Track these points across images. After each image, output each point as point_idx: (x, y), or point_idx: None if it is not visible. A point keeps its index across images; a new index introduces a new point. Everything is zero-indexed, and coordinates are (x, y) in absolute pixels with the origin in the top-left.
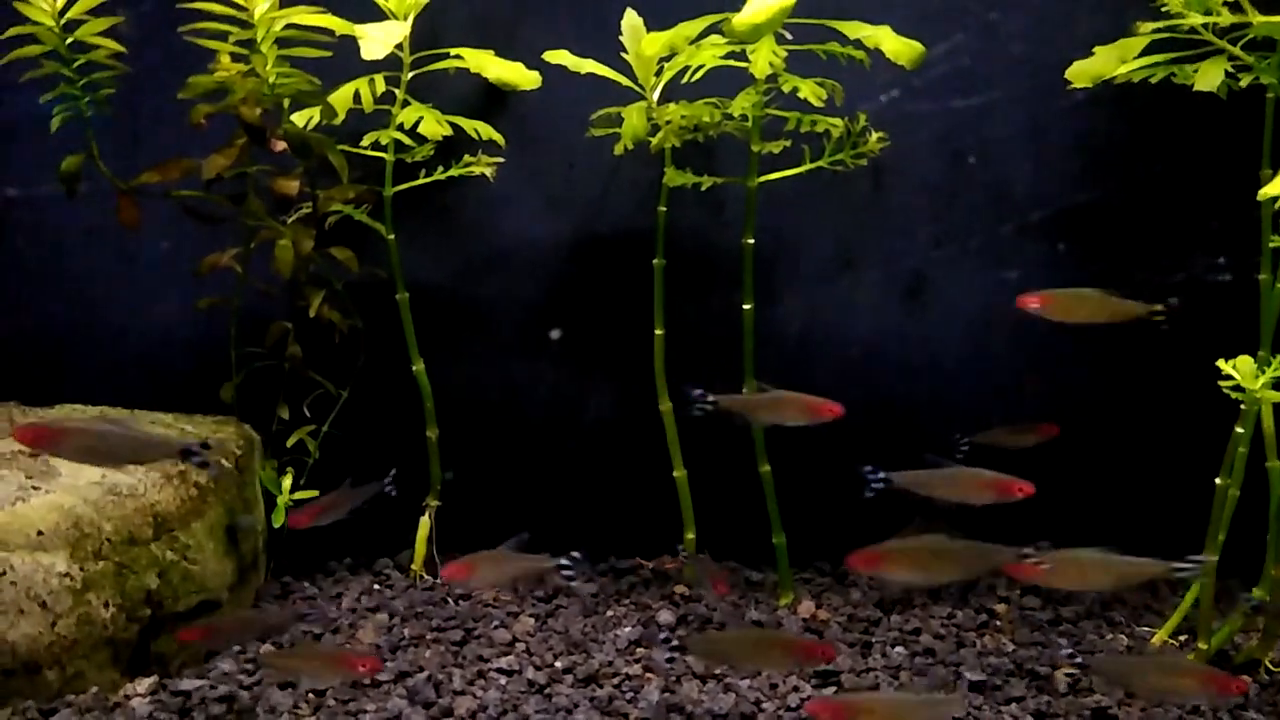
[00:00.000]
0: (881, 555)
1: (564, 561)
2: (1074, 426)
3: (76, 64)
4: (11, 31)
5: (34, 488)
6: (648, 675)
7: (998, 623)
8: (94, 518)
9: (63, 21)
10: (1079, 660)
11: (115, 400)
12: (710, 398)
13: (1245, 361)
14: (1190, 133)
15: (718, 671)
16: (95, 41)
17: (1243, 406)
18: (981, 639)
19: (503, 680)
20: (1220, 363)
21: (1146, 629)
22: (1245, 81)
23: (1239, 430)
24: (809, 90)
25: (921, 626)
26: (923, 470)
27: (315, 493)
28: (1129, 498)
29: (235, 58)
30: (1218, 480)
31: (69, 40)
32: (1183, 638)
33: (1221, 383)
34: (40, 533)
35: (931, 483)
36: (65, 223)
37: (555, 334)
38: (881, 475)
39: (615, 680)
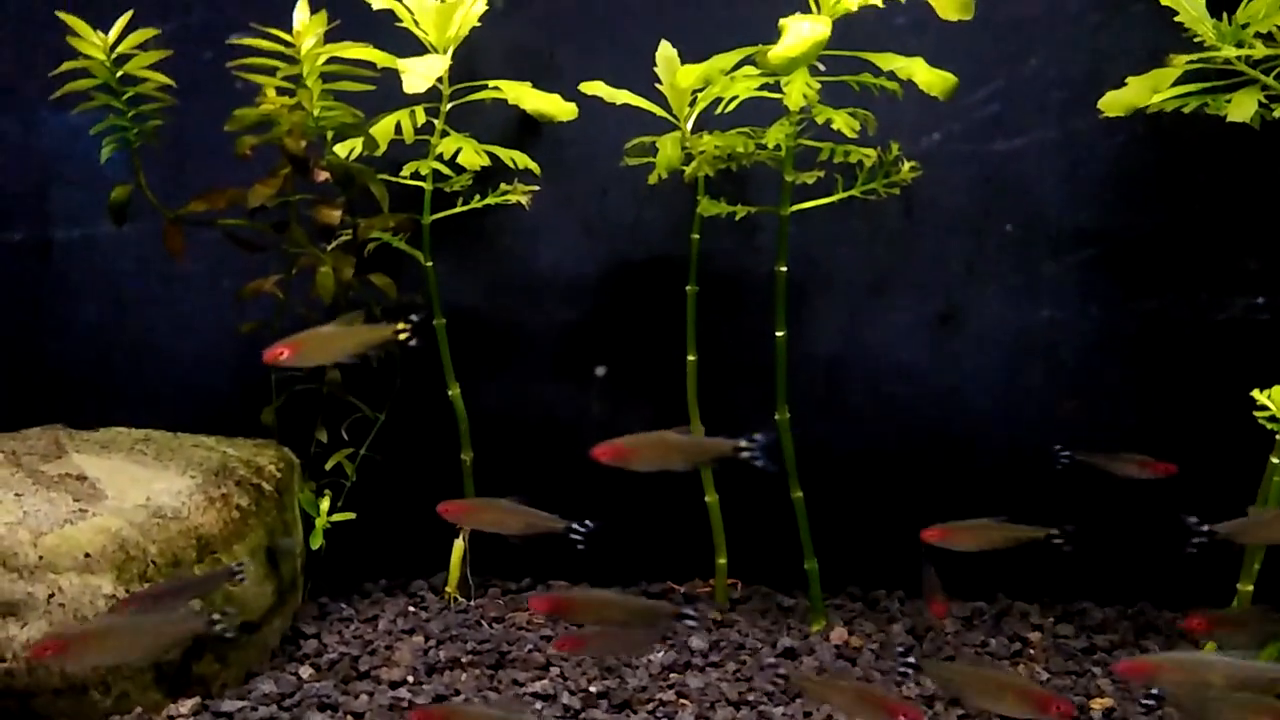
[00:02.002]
0: (622, 448)
1: (576, 526)
2: (1110, 455)
3: (125, 96)
4: (66, 66)
5: (81, 510)
6: (682, 701)
7: (1031, 651)
8: (139, 540)
9: (113, 55)
10: (1155, 691)
11: (159, 423)
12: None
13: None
14: (1225, 165)
15: (750, 699)
16: (144, 75)
17: (1278, 437)
18: (1015, 667)
19: (538, 705)
20: (1255, 393)
21: None
22: (1279, 112)
23: (1274, 460)
24: (842, 122)
25: (954, 655)
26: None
27: (352, 515)
28: (1165, 526)
29: (280, 91)
30: (1253, 510)
31: (119, 74)
32: None
33: (1257, 413)
34: (87, 555)
35: (1255, 529)
36: (112, 249)
37: (600, 371)
38: (1205, 528)
39: (649, 706)
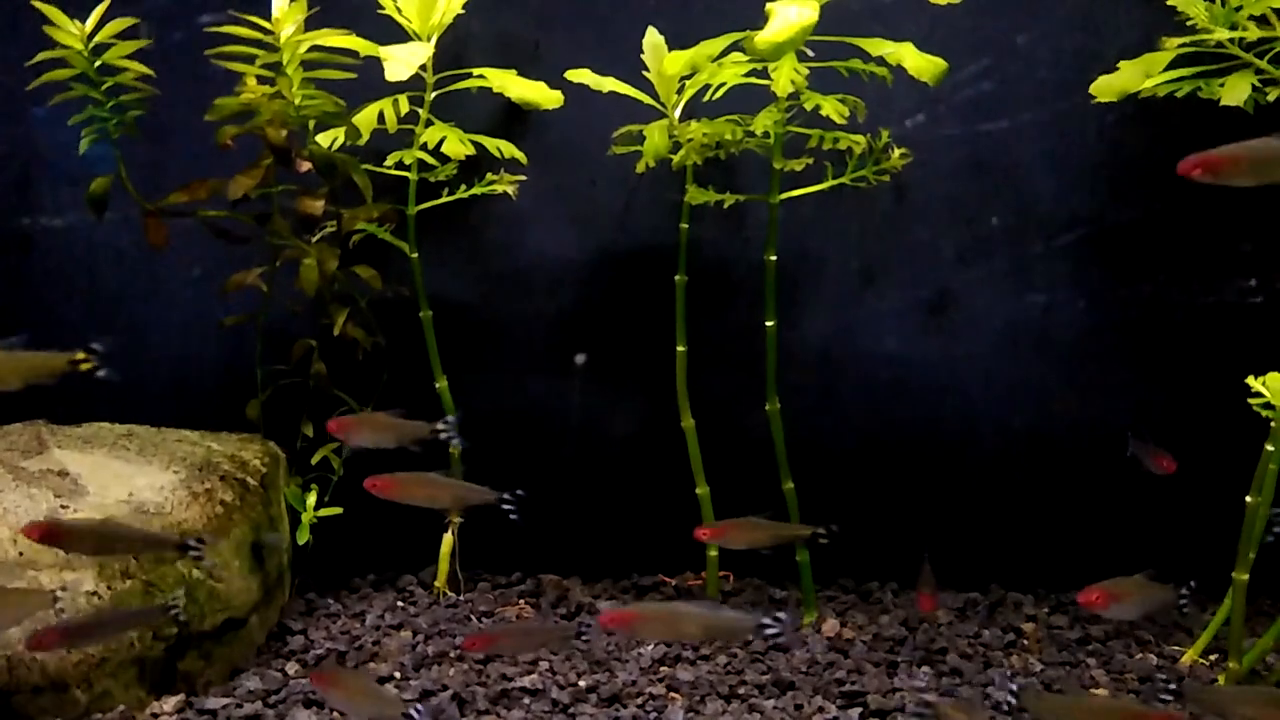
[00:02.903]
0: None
1: (506, 496)
2: (1103, 443)
3: (104, 86)
4: (42, 56)
5: (62, 506)
6: (671, 695)
7: (1025, 642)
8: None
9: (91, 45)
10: (1173, 686)
11: (143, 418)
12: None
13: (1275, 379)
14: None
15: (740, 692)
16: (123, 64)
17: (1273, 424)
18: (1009, 659)
19: (526, 700)
20: (1250, 380)
21: (1176, 648)
22: (1273, 95)
23: (1269, 448)
24: (831, 108)
25: (948, 646)
26: None
27: (339, 509)
28: (1159, 514)
29: (261, 80)
30: (1248, 498)
31: (97, 64)
32: (1213, 657)
33: (1251, 400)
34: (69, 551)
35: None
36: (94, 242)
37: (580, 358)
38: None
39: (639, 700)
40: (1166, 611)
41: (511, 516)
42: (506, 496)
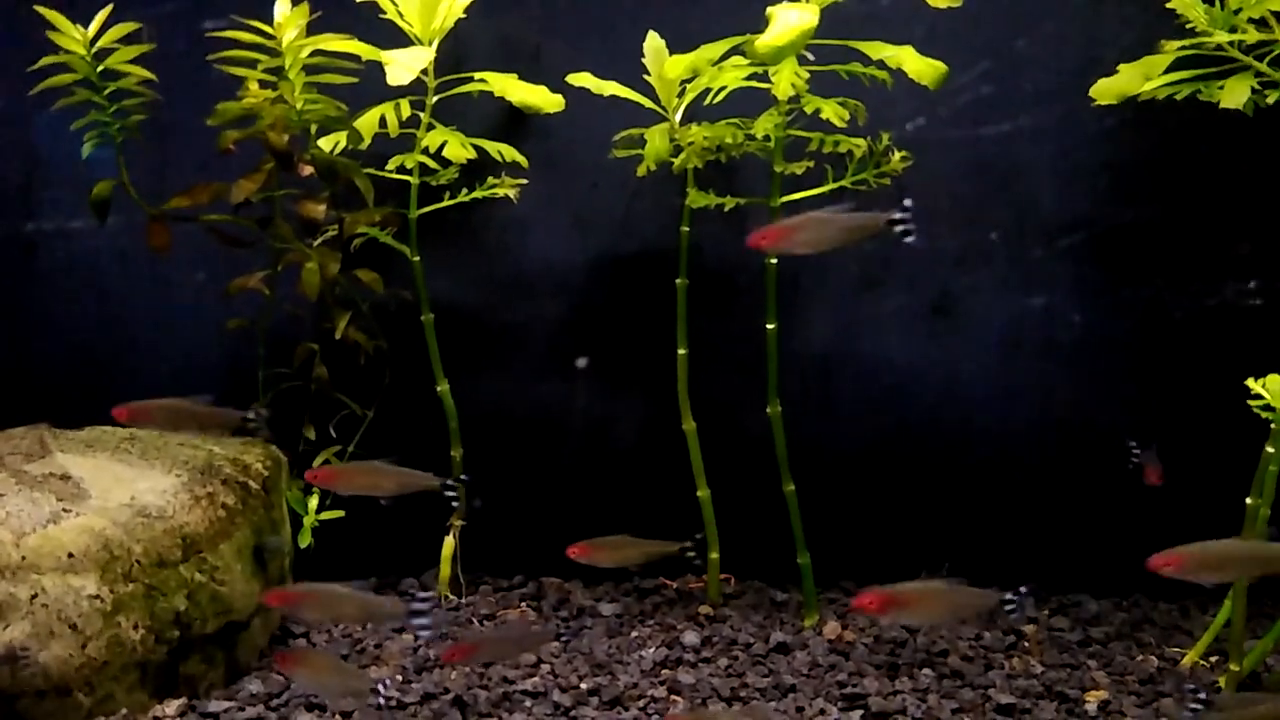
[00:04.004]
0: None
1: (449, 482)
2: (1104, 445)
3: (107, 91)
4: (45, 61)
5: (65, 510)
6: (673, 697)
7: (1026, 644)
8: (124, 540)
9: (94, 50)
10: (1202, 695)
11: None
12: None
13: (1275, 381)
14: (1218, 153)
15: (742, 695)
16: (125, 69)
17: (1273, 426)
18: (1010, 661)
19: (528, 703)
20: (1250, 382)
21: (1177, 650)
22: (1273, 98)
23: (1269, 450)
24: (831, 111)
25: (949, 648)
26: None
27: (340, 513)
28: (1159, 516)
29: (263, 84)
30: (1248, 500)
31: (100, 68)
32: (1214, 659)
33: (1251, 402)
34: (71, 555)
35: None
36: (97, 246)
37: (582, 362)
38: None
39: (641, 703)
40: (974, 614)
41: (454, 504)
42: (449, 482)
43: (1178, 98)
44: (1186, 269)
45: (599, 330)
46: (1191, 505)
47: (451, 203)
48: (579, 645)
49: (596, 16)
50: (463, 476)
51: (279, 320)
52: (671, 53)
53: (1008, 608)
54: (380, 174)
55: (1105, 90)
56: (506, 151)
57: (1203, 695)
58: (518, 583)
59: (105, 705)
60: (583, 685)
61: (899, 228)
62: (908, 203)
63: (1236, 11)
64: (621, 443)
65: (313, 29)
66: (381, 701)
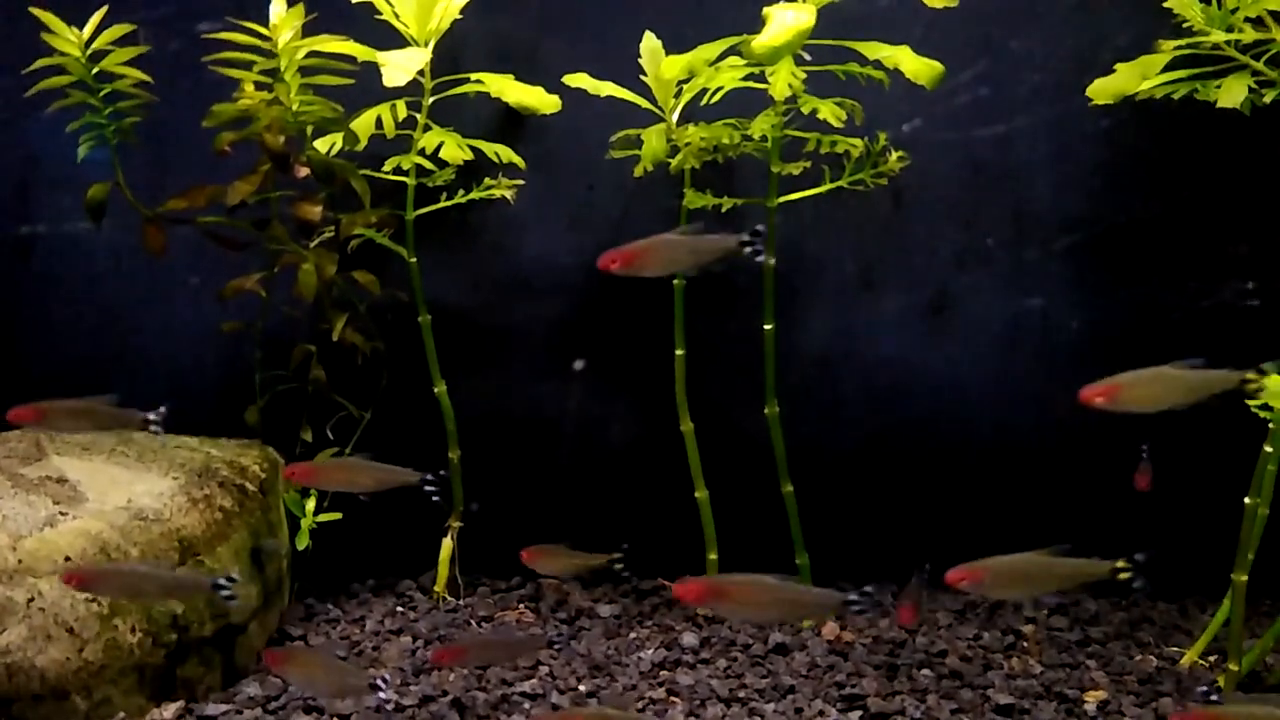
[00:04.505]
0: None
1: (428, 477)
2: (1102, 445)
3: (102, 93)
4: (40, 63)
5: (61, 514)
6: (672, 699)
7: (1025, 644)
8: (121, 543)
9: (89, 52)
10: (1214, 697)
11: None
12: None
13: (1275, 380)
14: (1216, 152)
15: (741, 696)
16: (121, 71)
17: (1271, 425)
18: (1009, 661)
19: (527, 705)
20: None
21: (1175, 649)
22: (1269, 97)
23: (1268, 449)
24: (828, 111)
25: (948, 649)
26: None
27: (338, 515)
28: (1158, 516)
29: (259, 86)
30: (1247, 499)
31: (95, 70)
32: (1212, 658)
33: (1249, 402)
34: (68, 558)
35: None
36: (93, 249)
37: (579, 364)
38: None
39: (639, 704)
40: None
41: (434, 499)
42: (429, 477)
43: (1175, 97)
44: (1184, 269)
45: (596, 331)
46: (1190, 505)
47: (448, 204)
48: (577, 647)
49: (593, 17)
50: (441, 472)
51: (275, 322)
52: (668, 53)
53: (854, 608)
54: (377, 175)
55: (1102, 90)
56: (503, 152)
57: (1214, 697)
58: (516, 584)
59: (102, 709)
60: (581, 687)
61: (749, 249)
62: (760, 228)
63: (1233, 11)
64: (619, 444)
65: (308, 30)
66: (382, 697)
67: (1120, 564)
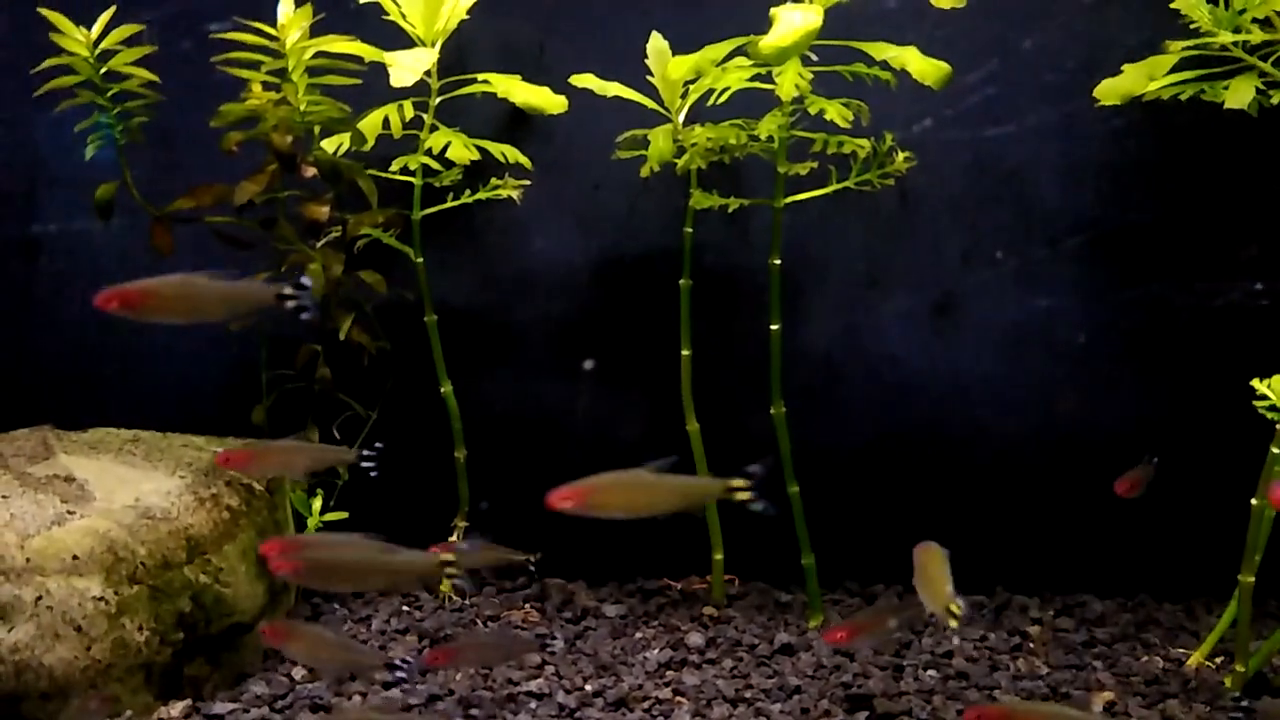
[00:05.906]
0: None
1: (366, 452)
2: (1108, 445)
3: (110, 93)
4: (48, 62)
5: (69, 512)
6: (678, 699)
7: (1031, 645)
8: (128, 541)
9: (97, 52)
10: (1244, 704)
11: (148, 423)
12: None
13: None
14: (1224, 153)
15: (747, 696)
16: (129, 71)
17: (1278, 426)
18: (1015, 662)
19: (533, 704)
20: (1255, 382)
21: (1182, 650)
22: (1277, 98)
23: (1275, 450)
24: (835, 112)
25: (954, 649)
26: None
27: (344, 514)
28: (1165, 517)
29: (266, 86)
30: (1254, 501)
31: (103, 70)
32: (1219, 659)
33: (1257, 403)
34: (75, 557)
35: None
36: (100, 248)
37: (589, 364)
38: None
39: (645, 704)
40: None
41: (372, 474)
42: (366, 453)
43: (1182, 98)
44: (1192, 270)
45: (603, 331)
46: (1197, 506)
47: (455, 204)
48: (583, 646)
49: (599, 17)
50: (377, 445)
51: (282, 322)
52: (675, 53)
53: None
54: (383, 175)
55: (1110, 91)
56: (510, 153)
57: (1245, 703)
58: (521, 583)
59: (110, 707)
60: (587, 687)
61: (291, 303)
62: (305, 280)
63: (1241, 12)
64: (625, 443)
65: (316, 30)
66: (400, 675)
67: (736, 482)
